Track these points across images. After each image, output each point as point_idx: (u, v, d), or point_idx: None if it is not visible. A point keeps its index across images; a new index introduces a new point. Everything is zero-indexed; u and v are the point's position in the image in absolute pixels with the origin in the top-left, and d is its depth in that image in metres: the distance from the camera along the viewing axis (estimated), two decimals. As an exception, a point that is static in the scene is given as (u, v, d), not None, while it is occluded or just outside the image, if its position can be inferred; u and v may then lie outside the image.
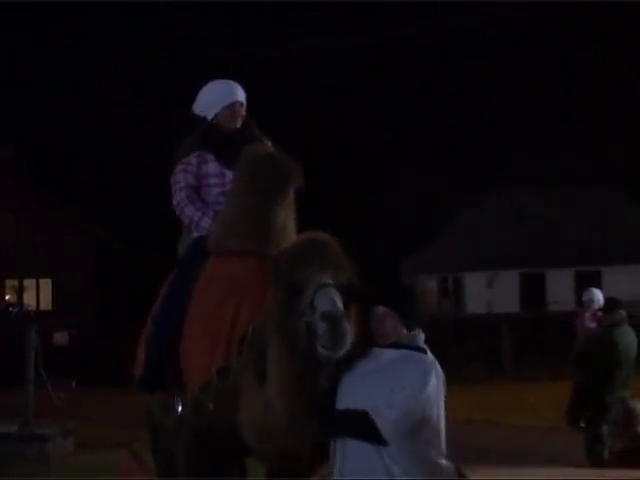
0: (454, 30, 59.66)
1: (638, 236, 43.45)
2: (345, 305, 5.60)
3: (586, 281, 34.83)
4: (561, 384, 12.33)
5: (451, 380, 5.74)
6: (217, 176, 7.10)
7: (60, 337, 38.11)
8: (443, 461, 5.75)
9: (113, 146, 56.04)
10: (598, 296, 13.39)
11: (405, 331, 5.91)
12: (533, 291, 44.57)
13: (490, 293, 44.70)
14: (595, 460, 10.52)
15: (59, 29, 65.94)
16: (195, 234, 7.11)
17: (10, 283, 44.49)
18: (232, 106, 7.23)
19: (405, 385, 5.63)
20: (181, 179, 7.10)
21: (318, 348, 5.51)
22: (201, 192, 7.14)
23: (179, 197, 7.08)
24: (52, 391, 17.12)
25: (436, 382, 5.74)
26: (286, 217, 6.59)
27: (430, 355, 5.87)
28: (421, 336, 5.94)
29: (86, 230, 45.48)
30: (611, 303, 11.96)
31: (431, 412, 5.67)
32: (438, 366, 5.82)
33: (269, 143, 7.19)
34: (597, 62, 53.74)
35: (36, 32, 65.28)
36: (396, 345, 5.88)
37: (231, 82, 7.38)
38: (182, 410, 6.61)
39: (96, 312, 45.22)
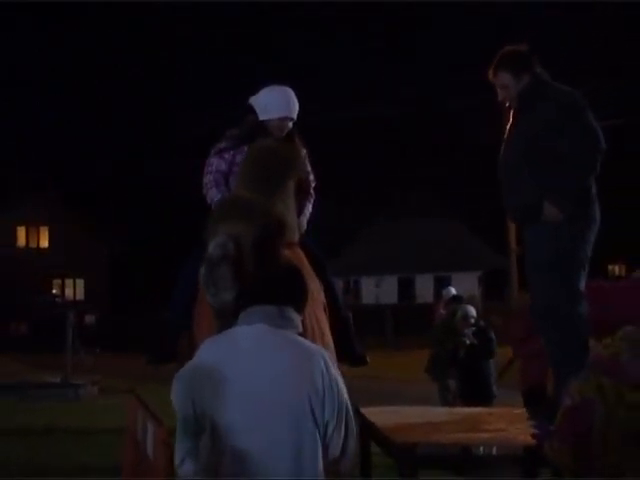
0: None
1: (473, 253, 44.16)
2: (264, 260, 4.06)
3: (441, 283, 35.17)
4: (424, 351, 12.38)
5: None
6: None
7: (89, 318, 38.13)
8: None
9: (113, 146, 46.11)
10: (453, 292, 13.43)
11: None
12: (406, 289, 44.84)
13: (378, 290, 44.86)
14: (445, 402, 10.59)
15: (59, 29, 52.91)
16: None
17: (56, 282, 44.83)
18: (283, 119, 5.41)
19: None
20: (214, 163, 5.45)
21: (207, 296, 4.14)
22: (230, 179, 5.46)
23: (207, 179, 5.46)
24: (83, 355, 17.12)
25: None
26: (285, 208, 4.93)
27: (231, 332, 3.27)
28: (246, 315, 3.23)
29: (104, 245, 45.47)
30: (454, 298, 12.05)
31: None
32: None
33: (304, 150, 5.52)
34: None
35: (36, 32, 52.11)
36: None
37: (292, 96, 5.47)
38: None
39: (113, 301, 45.43)
